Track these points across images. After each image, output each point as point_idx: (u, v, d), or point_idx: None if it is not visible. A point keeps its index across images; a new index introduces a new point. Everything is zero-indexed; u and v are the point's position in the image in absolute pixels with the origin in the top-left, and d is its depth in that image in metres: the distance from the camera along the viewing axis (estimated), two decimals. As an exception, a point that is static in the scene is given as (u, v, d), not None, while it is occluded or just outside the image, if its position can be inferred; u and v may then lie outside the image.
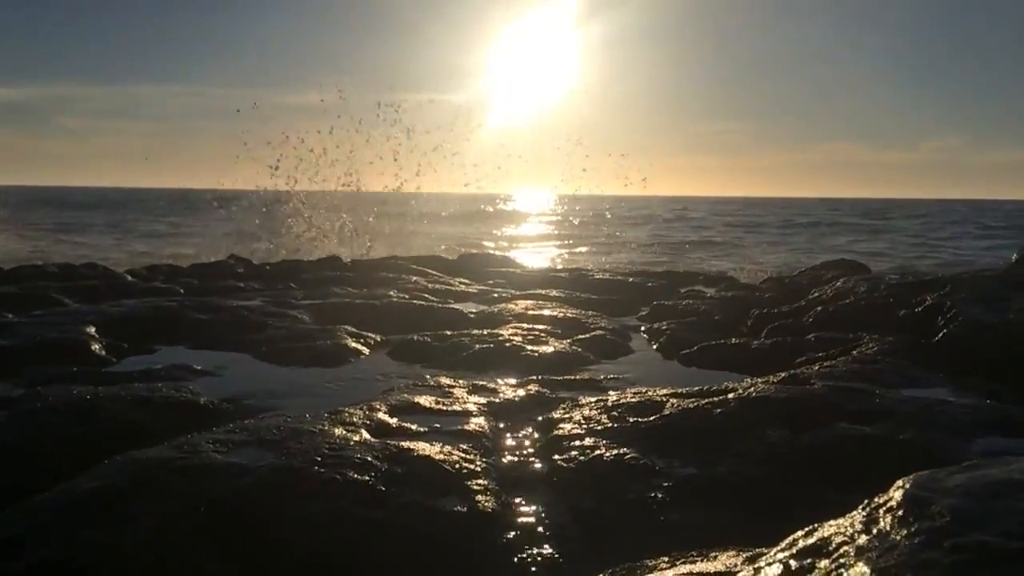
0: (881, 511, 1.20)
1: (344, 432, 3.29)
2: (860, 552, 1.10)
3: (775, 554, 1.26)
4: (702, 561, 2.01)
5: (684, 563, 2.01)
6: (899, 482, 1.26)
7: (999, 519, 1.09)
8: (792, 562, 1.18)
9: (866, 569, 1.04)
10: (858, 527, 1.19)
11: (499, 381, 4.62)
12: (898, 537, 1.11)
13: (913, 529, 1.11)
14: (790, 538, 1.28)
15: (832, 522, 1.26)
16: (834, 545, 1.17)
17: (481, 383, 4.48)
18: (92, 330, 5.44)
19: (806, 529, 1.27)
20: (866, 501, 1.26)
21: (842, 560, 1.10)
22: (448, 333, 6.02)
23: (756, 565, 1.26)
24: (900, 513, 1.16)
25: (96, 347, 5.16)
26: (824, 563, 1.13)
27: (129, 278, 9.09)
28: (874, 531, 1.15)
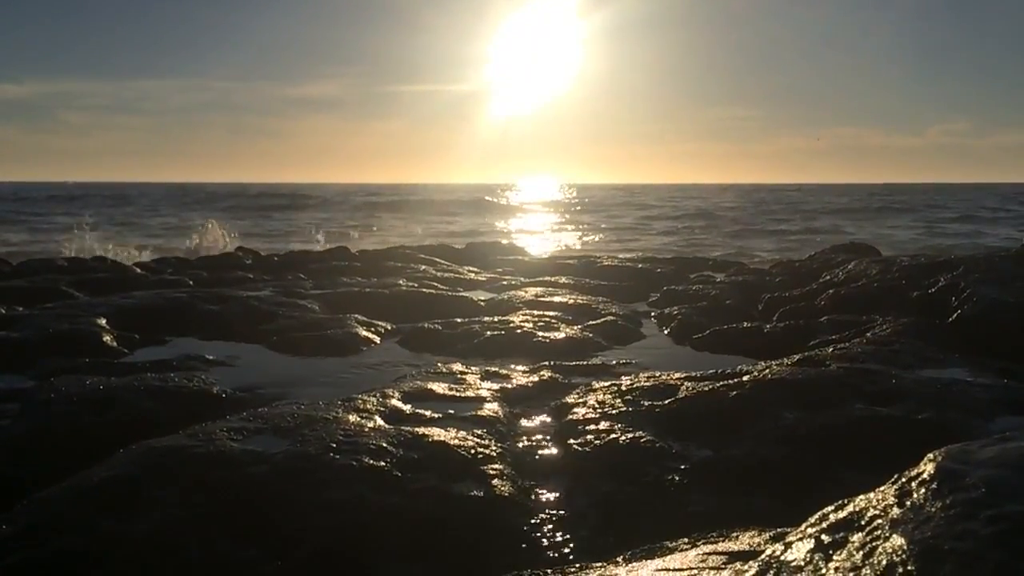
0: (914, 484, 1.18)
1: (358, 419, 3.28)
2: (895, 525, 1.08)
3: (805, 529, 1.24)
4: (723, 541, 1.99)
5: (705, 543, 2.00)
6: (930, 455, 1.24)
7: (1037, 489, 1.07)
8: (824, 536, 1.16)
9: (902, 541, 1.02)
10: (891, 500, 1.17)
11: (511, 367, 4.60)
12: (933, 509, 1.09)
13: (948, 501, 1.09)
14: (820, 513, 1.26)
15: (863, 496, 1.24)
16: (867, 519, 1.15)
17: (493, 369, 4.46)
18: (103, 322, 5.44)
19: (836, 504, 1.25)
20: (897, 475, 1.24)
21: (876, 533, 1.08)
22: (459, 321, 6.00)
23: (787, 540, 1.24)
24: (934, 485, 1.14)
25: (108, 339, 5.16)
26: (858, 537, 1.11)
27: (138, 271, 9.10)
28: (908, 504, 1.13)
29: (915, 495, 1.14)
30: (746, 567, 1.26)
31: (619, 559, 2.07)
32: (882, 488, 1.23)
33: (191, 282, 8.22)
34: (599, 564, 2.07)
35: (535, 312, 6.40)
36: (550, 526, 2.63)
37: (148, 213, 38.68)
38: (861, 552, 1.04)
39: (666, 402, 3.56)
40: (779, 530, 1.91)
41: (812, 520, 1.25)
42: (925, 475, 1.18)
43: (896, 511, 1.12)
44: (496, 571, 2.31)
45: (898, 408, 3.20)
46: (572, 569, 2.07)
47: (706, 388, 3.64)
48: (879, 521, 1.12)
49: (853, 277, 6.46)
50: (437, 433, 3.13)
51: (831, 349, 4.42)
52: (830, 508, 1.25)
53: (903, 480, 1.21)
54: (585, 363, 4.87)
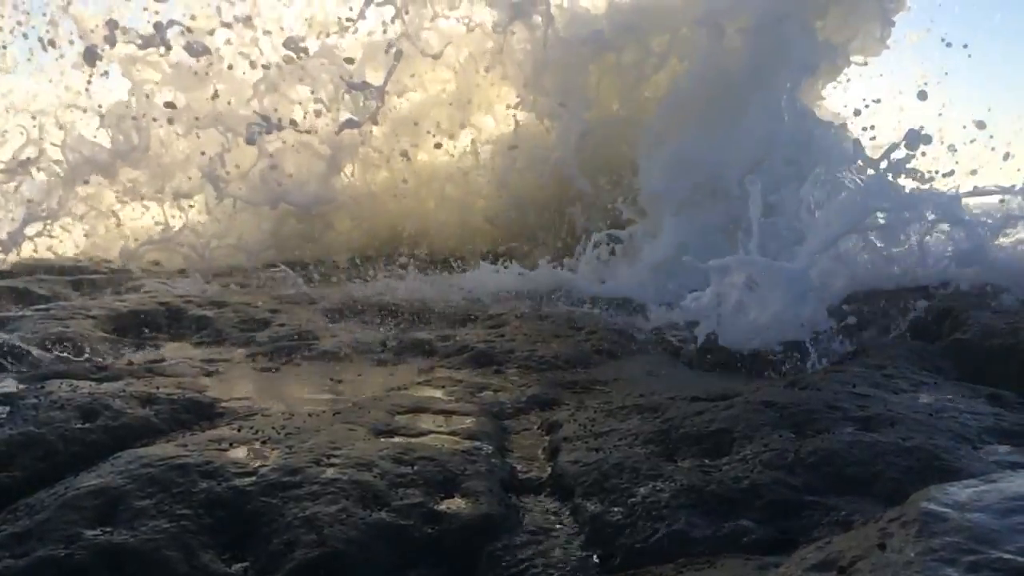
0: (895, 526, 1.18)
1: (346, 431, 3.28)
2: (874, 569, 1.08)
3: (786, 568, 1.24)
4: (709, 568, 1.99)
5: (691, 569, 2.00)
6: (914, 496, 1.24)
7: (1019, 535, 1.07)
8: (804, 577, 1.17)
9: (881, 586, 1.02)
10: (872, 542, 1.17)
11: (504, 380, 4.60)
12: (913, 553, 1.09)
13: (929, 545, 1.09)
14: (801, 552, 1.27)
15: (843, 536, 1.24)
16: (847, 561, 1.15)
17: (485, 382, 4.46)
18: (95, 324, 5.43)
19: (817, 544, 1.26)
20: (880, 515, 1.24)
21: (856, 576, 1.08)
22: (452, 330, 6.00)
23: (767, 579, 1.24)
24: (915, 528, 1.14)
25: (99, 342, 5.15)
26: (837, 579, 1.12)
27: (133, 272, 9.07)
28: (889, 547, 1.13)
29: (896, 537, 1.15)
30: (726, 605, 1.26)
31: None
32: (864, 528, 1.23)
33: (185, 285, 8.20)
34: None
35: (529, 323, 6.39)
36: (535, 545, 2.62)
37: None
38: (840, 596, 1.05)
39: (656, 421, 3.56)
40: (766, 559, 1.91)
41: (793, 559, 1.25)
42: (907, 517, 1.18)
43: (876, 554, 1.12)
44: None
45: (887, 434, 3.20)
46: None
47: (697, 408, 3.64)
48: (859, 564, 1.12)
49: (847, 300, 6.46)
50: (425, 447, 3.13)
51: (823, 372, 4.42)
52: (811, 548, 1.25)
53: (885, 521, 1.21)
54: (578, 378, 4.86)
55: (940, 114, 9.49)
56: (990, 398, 3.92)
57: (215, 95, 9.03)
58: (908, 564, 1.06)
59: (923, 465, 2.89)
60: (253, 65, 9.42)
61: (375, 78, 9.31)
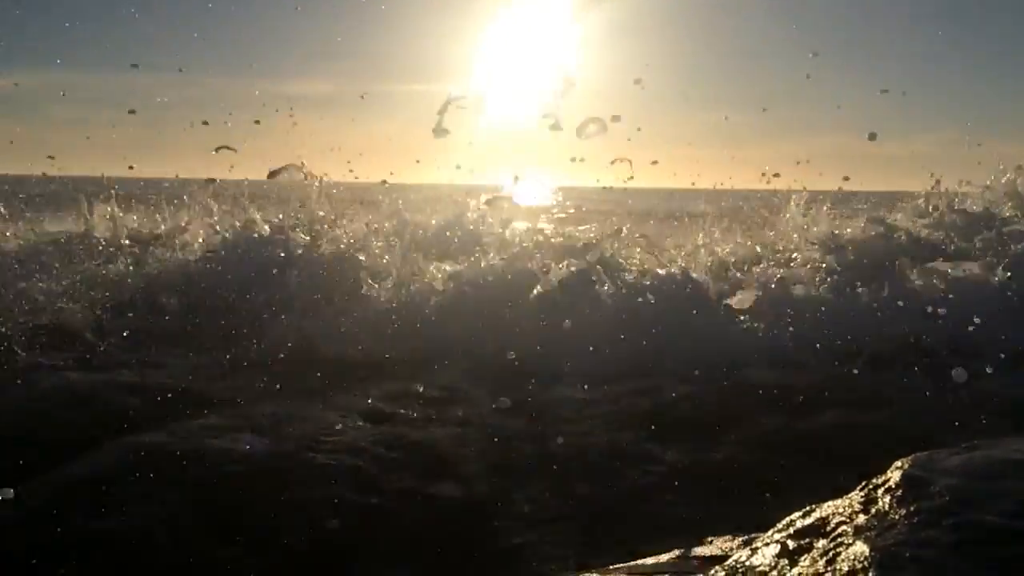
0: (879, 491, 1.19)
1: (338, 418, 3.28)
2: (858, 532, 1.09)
3: (772, 534, 1.25)
4: (698, 546, 2.00)
5: (681, 547, 2.00)
6: (897, 462, 1.25)
7: (999, 499, 1.09)
8: (789, 542, 1.18)
9: (865, 548, 1.03)
10: (856, 507, 1.18)
11: (494, 369, 4.59)
12: (896, 516, 1.10)
13: (912, 509, 1.10)
14: (787, 519, 1.28)
15: (829, 503, 1.25)
16: (832, 525, 1.16)
17: (475, 369, 4.46)
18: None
19: (803, 510, 1.27)
20: (864, 482, 1.26)
21: (840, 539, 1.09)
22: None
23: (753, 545, 1.25)
24: (899, 493, 1.15)
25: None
26: (822, 543, 1.13)
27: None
28: (872, 511, 1.14)
29: (880, 502, 1.16)
30: (712, 572, 1.27)
31: (592, 564, 2.06)
32: (849, 495, 1.24)
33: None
34: (570, 574, 2.07)
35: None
36: (527, 528, 2.62)
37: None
38: (824, 558, 1.06)
39: (646, 404, 3.57)
40: (753, 535, 1.91)
41: (779, 525, 1.27)
42: (891, 483, 1.19)
43: (861, 518, 1.14)
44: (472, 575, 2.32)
45: (874, 415, 3.23)
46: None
47: (687, 391, 3.65)
48: (844, 528, 1.13)
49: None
50: (416, 433, 3.13)
51: (811, 355, 4.44)
52: (797, 514, 1.27)
53: (869, 487, 1.22)
54: (566, 364, 4.85)
55: None
56: (972, 378, 3.93)
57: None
58: (891, 527, 1.07)
59: (909, 444, 2.88)
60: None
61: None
